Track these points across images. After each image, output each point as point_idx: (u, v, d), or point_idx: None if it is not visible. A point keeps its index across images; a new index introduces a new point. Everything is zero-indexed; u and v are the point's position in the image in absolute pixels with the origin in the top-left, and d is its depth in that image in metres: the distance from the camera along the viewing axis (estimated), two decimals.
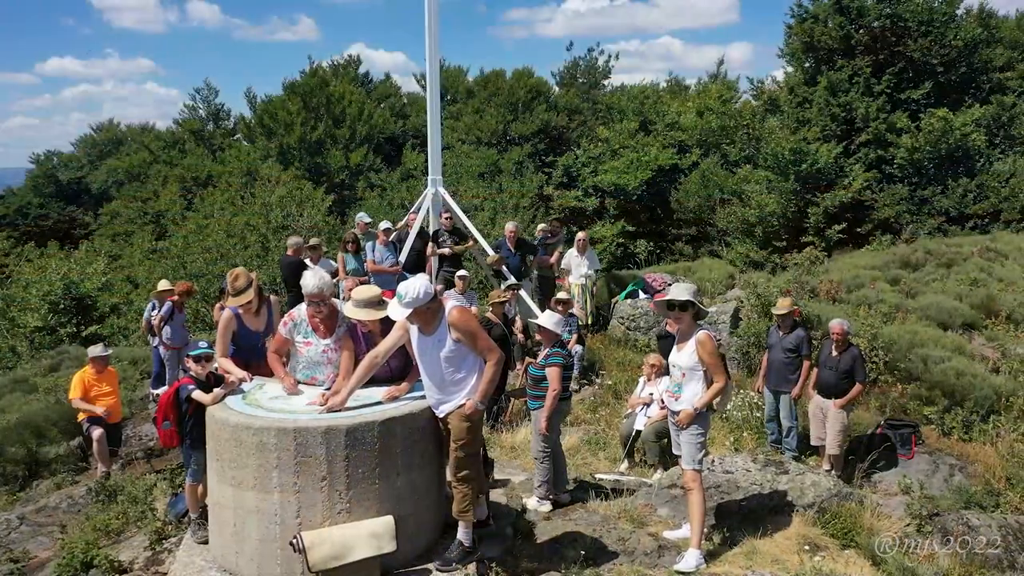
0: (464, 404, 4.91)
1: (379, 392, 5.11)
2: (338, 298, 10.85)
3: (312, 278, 5.19)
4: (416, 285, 4.79)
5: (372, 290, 5.21)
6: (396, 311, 4.80)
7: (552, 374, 6.32)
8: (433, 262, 11.92)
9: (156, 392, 10.28)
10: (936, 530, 6.24)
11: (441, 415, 5.00)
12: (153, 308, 10.10)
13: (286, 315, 5.37)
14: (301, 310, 5.32)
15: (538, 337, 6.84)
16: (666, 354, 10.03)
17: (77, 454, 9.36)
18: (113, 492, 7.17)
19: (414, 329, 4.98)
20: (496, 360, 4.98)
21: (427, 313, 4.85)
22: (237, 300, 5.64)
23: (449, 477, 5.09)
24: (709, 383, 5.50)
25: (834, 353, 7.90)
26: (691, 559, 5.43)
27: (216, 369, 5.70)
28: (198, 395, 5.34)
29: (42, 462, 9.22)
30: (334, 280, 11.16)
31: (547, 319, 6.59)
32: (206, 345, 5.66)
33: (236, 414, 4.80)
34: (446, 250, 11.54)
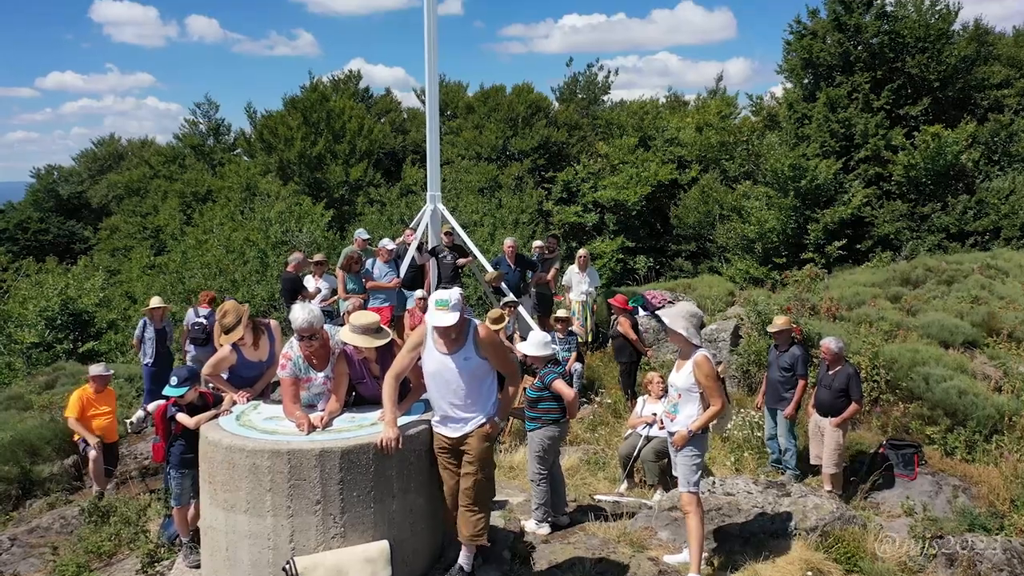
0: (485, 424, 4.84)
1: (374, 414, 5.04)
2: (338, 316, 10.85)
3: (301, 312, 5.02)
4: (454, 293, 4.75)
5: (370, 316, 5.11)
6: (445, 318, 4.65)
7: (559, 385, 6.24)
8: (432, 278, 11.88)
9: (146, 410, 10.27)
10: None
11: (456, 436, 4.85)
12: (145, 326, 10.01)
13: (282, 357, 5.18)
14: (295, 347, 5.16)
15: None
16: (618, 352, 10.05)
17: (71, 473, 9.27)
18: (106, 513, 7.08)
19: (431, 348, 4.85)
20: (518, 380, 5.00)
21: (459, 325, 4.77)
22: (228, 338, 5.50)
23: (464, 501, 4.91)
24: (706, 405, 5.43)
25: (829, 371, 7.84)
26: None
27: (211, 387, 5.63)
28: (182, 418, 5.29)
29: (36, 481, 9.11)
30: (334, 297, 11.18)
31: (532, 347, 6.48)
32: (176, 381, 5.50)
33: (229, 436, 4.72)
34: (460, 261, 11.58)
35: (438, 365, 4.81)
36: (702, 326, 12.14)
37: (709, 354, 5.52)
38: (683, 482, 5.51)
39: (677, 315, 5.49)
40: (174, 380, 5.50)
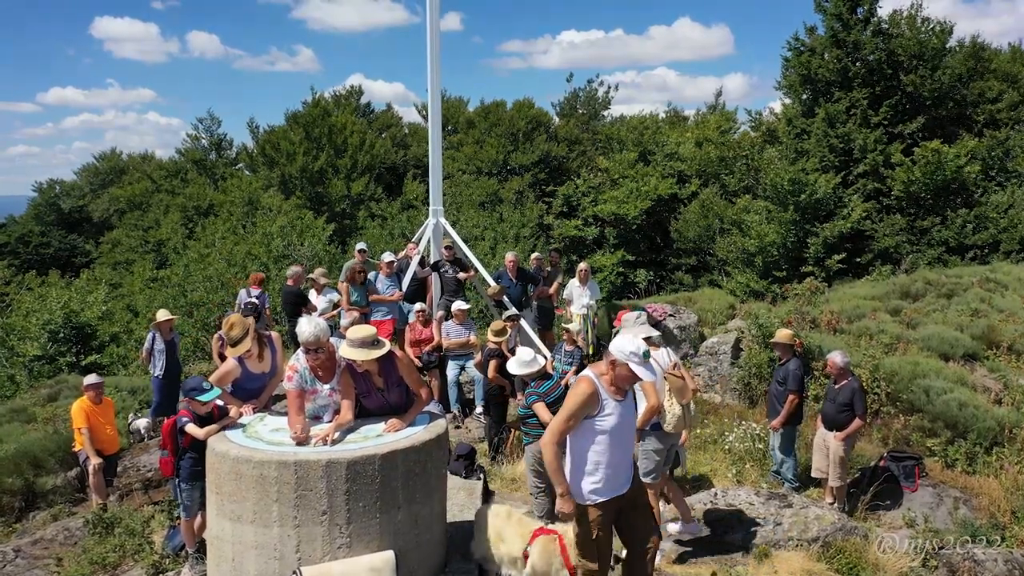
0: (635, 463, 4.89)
1: (379, 426, 5.09)
2: (337, 329, 10.89)
3: (307, 326, 5.06)
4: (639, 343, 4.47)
5: (367, 330, 5.14)
6: (648, 373, 4.39)
7: (537, 408, 6.33)
8: (434, 292, 11.93)
9: (136, 423, 10.33)
10: (942, 564, 6.19)
11: (627, 489, 4.68)
12: (154, 338, 10.05)
13: (288, 369, 5.24)
14: (301, 360, 5.22)
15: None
16: None
17: (74, 485, 9.29)
18: (110, 524, 7.09)
19: (611, 402, 4.49)
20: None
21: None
22: (235, 350, 5.53)
23: (650, 550, 4.78)
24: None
25: (835, 385, 7.86)
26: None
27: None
28: (191, 429, 5.32)
29: (39, 493, 9.14)
30: (335, 311, 11.22)
31: (516, 365, 6.64)
32: (209, 385, 5.50)
33: (236, 447, 4.77)
34: (461, 275, 11.56)
35: (619, 417, 4.50)
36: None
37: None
38: (641, 473, 5.81)
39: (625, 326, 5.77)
40: (204, 385, 5.48)
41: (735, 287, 21.41)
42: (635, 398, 4.86)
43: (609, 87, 41.32)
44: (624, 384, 4.46)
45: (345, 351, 5.06)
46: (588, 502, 4.53)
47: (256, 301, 10.96)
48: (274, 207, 28.61)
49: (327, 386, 5.26)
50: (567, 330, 10.27)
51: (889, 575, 5.87)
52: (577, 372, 10.47)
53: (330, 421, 5.14)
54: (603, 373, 4.48)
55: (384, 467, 4.65)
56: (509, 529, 5.27)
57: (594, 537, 4.57)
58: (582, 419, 4.43)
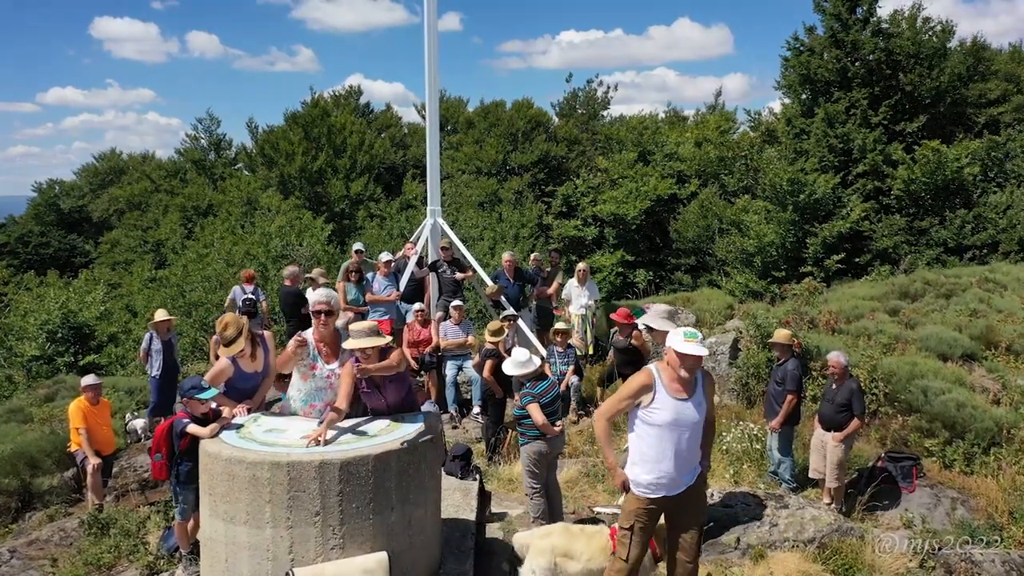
0: (701, 470, 4.78)
1: (374, 426, 5.07)
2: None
3: (320, 290, 5.30)
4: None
5: (367, 323, 5.23)
6: (699, 348, 4.42)
7: (531, 409, 6.32)
8: (432, 291, 11.92)
9: (132, 423, 10.29)
10: (939, 565, 6.17)
11: (682, 491, 4.61)
12: (151, 338, 10.03)
13: (297, 333, 5.33)
14: (310, 335, 5.31)
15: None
16: (627, 366, 10.01)
17: (71, 485, 9.28)
18: (106, 525, 7.09)
19: (665, 395, 4.50)
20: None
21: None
22: (229, 350, 5.54)
23: (691, 556, 4.72)
24: None
25: (833, 386, 7.85)
26: None
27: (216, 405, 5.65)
28: (194, 429, 5.29)
29: (35, 493, 9.12)
30: None
31: (512, 366, 6.63)
32: (207, 384, 5.51)
33: (229, 448, 4.75)
34: (459, 275, 11.52)
35: (675, 413, 4.49)
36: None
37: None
38: None
39: (656, 315, 5.64)
40: (203, 384, 5.49)
41: (734, 287, 21.38)
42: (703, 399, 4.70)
43: (608, 87, 41.27)
44: (680, 371, 4.45)
45: (349, 343, 5.10)
46: (631, 490, 4.64)
47: (253, 296, 11.04)
48: (273, 207, 28.60)
49: (328, 367, 5.28)
50: (558, 330, 10.26)
51: None
52: (576, 372, 10.49)
53: (321, 409, 5.16)
54: (665, 369, 4.58)
55: (378, 468, 4.64)
56: (577, 544, 5.17)
57: (629, 526, 4.60)
58: (633, 405, 4.56)
